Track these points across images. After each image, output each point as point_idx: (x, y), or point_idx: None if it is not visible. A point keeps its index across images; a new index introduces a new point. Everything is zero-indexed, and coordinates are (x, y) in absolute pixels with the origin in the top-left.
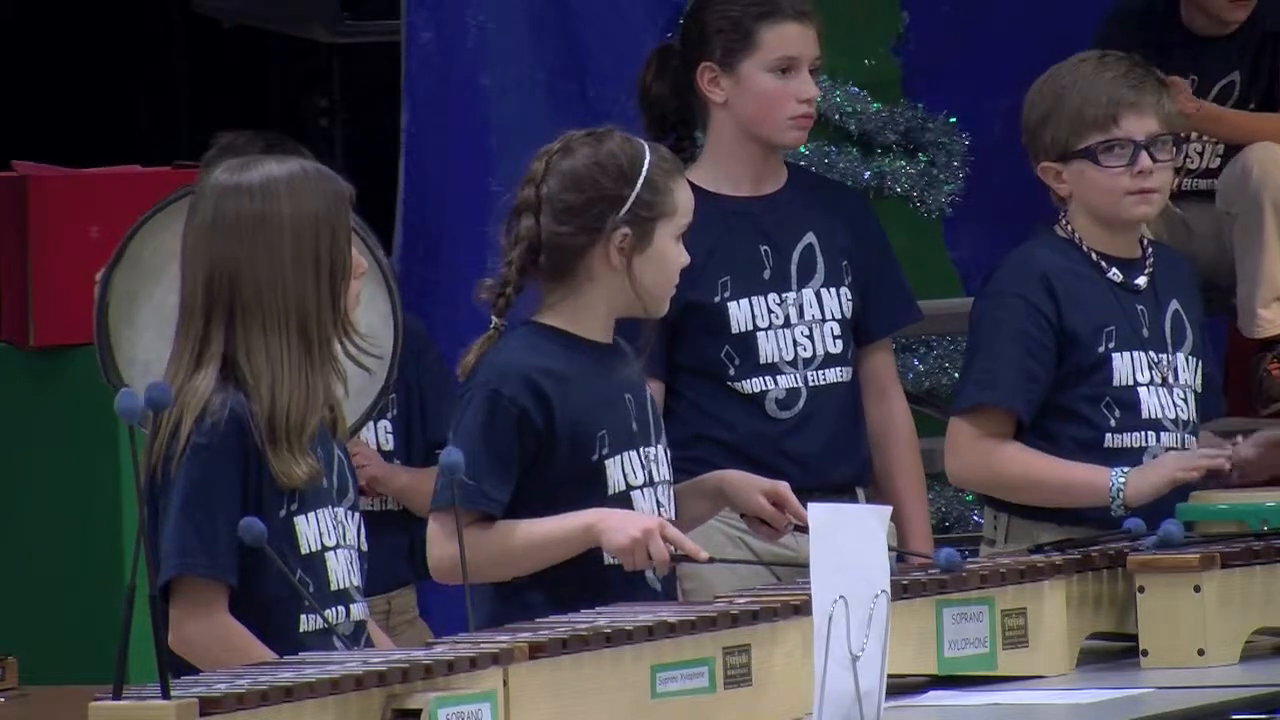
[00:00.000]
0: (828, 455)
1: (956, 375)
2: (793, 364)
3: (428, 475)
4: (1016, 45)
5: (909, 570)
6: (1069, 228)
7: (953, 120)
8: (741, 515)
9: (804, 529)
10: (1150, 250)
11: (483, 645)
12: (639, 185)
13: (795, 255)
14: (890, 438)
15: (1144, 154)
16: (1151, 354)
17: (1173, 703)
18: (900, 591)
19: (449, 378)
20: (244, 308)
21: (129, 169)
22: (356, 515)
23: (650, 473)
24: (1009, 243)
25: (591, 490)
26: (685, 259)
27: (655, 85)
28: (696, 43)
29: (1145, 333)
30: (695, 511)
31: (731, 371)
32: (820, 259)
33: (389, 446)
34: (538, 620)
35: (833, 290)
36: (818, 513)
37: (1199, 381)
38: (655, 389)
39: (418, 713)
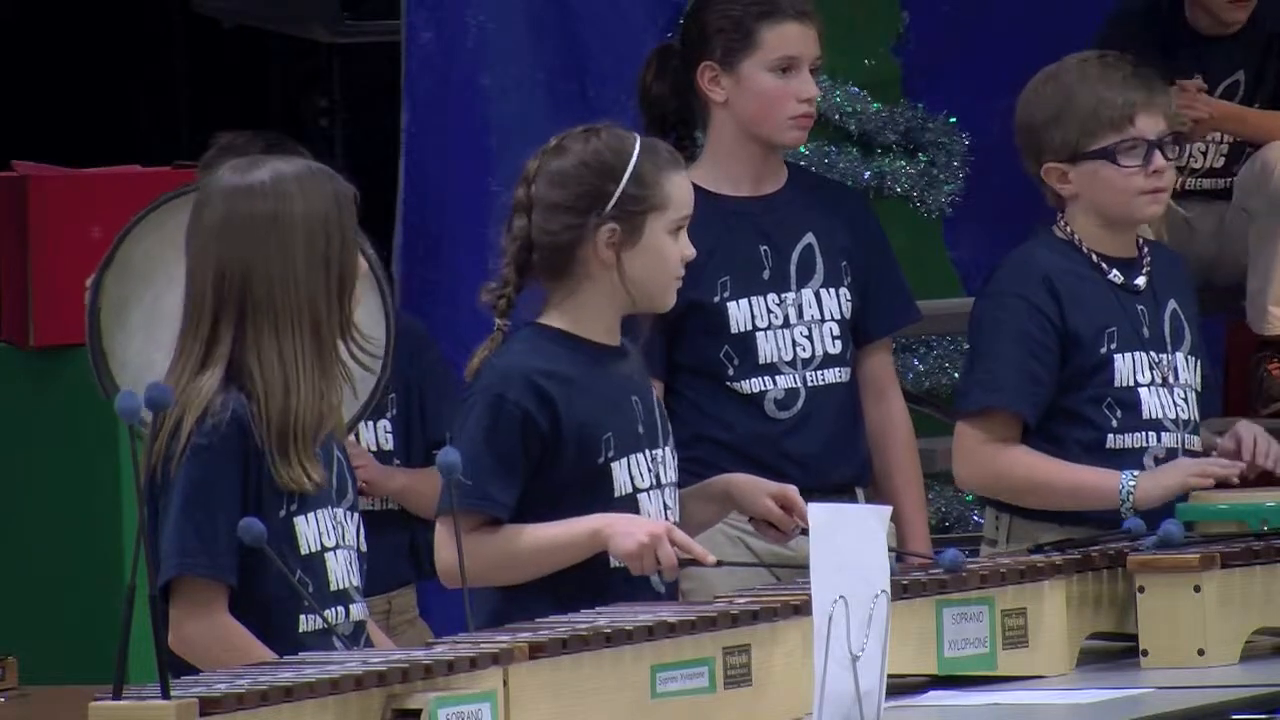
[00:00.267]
0: (827, 455)
1: (956, 375)
2: (791, 364)
3: (425, 475)
4: (1016, 45)
5: (909, 570)
6: (1068, 229)
7: (953, 120)
8: (749, 519)
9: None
10: (1147, 250)
11: (483, 645)
12: (625, 180)
13: (795, 255)
14: (889, 438)
15: (1157, 153)
16: (1152, 354)
17: (1173, 703)
18: (900, 591)
19: (449, 377)
20: (255, 309)
21: (129, 169)
22: (356, 515)
23: (657, 475)
24: (1009, 243)
25: (597, 493)
26: (689, 252)
27: (655, 85)
28: (697, 42)
29: (1145, 333)
30: (701, 515)
31: (731, 371)
32: (820, 259)
33: (388, 446)
34: (538, 620)
35: (832, 291)
36: (818, 513)
37: (1199, 381)
38: (655, 389)
39: (418, 713)
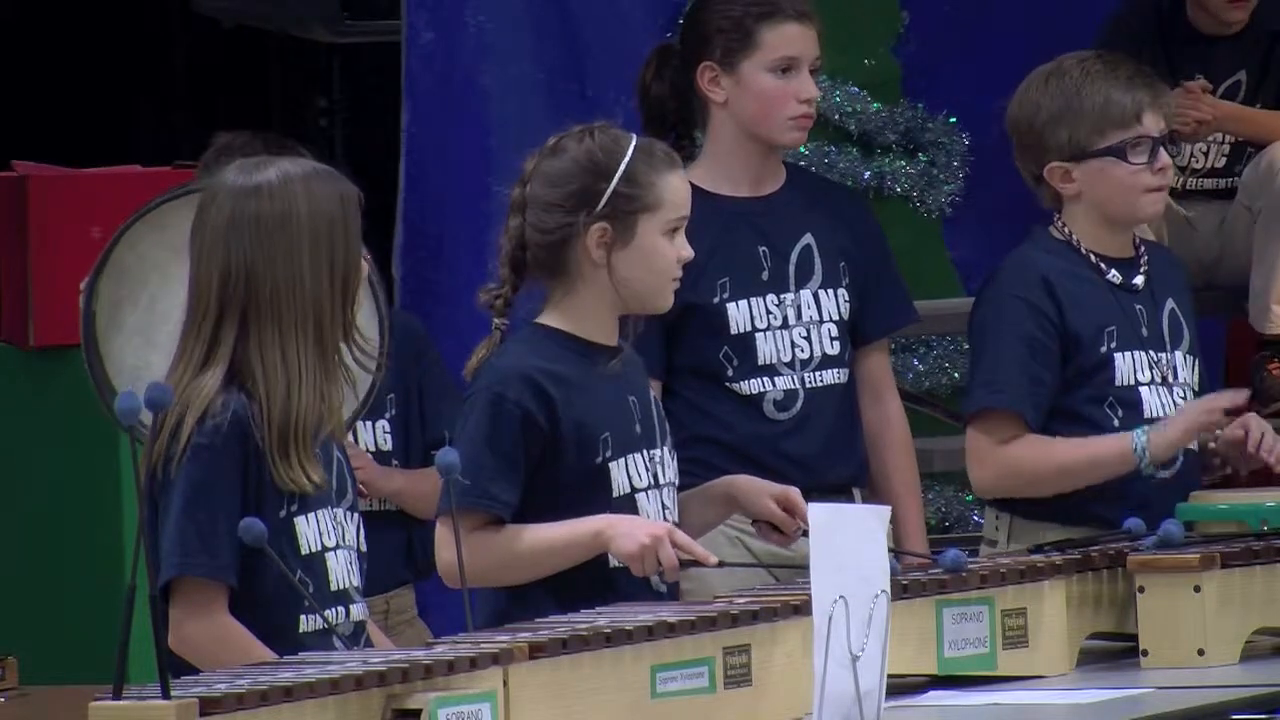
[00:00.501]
0: (825, 456)
1: (957, 375)
2: (790, 365)
3: (423, 476)
4: (1016, 45)
5: (909, 570)
6: (1065, 229)
7: (953, 120)
8: (752, 521)
9: None
10: (1143, 250)
11: (483, 645)
12: (616, 179)
13: (793, 256)
14: (885, 439)
15: (1162, 150)
16: (1151, 353)
17: (1173, 703)
18: (900, 591)
19: (448, 378)
20: (259, 310)
21: (129, 169)
22: (356, 515)
23: (655, 475)
24: (1009, 243)
25: (596, 493)
26: (686, 253)
27: (655, 85)
28: (696, 42)
29: (1144, 332)
30: (703, 517)
31: (730, 372)
32: (818, 260)
33: (387, 447)
34: (538, 620)
35: (830, 292)
36: (818, 513)
37: (1197, 380)
38: (652, 389)
39: (418, 713)
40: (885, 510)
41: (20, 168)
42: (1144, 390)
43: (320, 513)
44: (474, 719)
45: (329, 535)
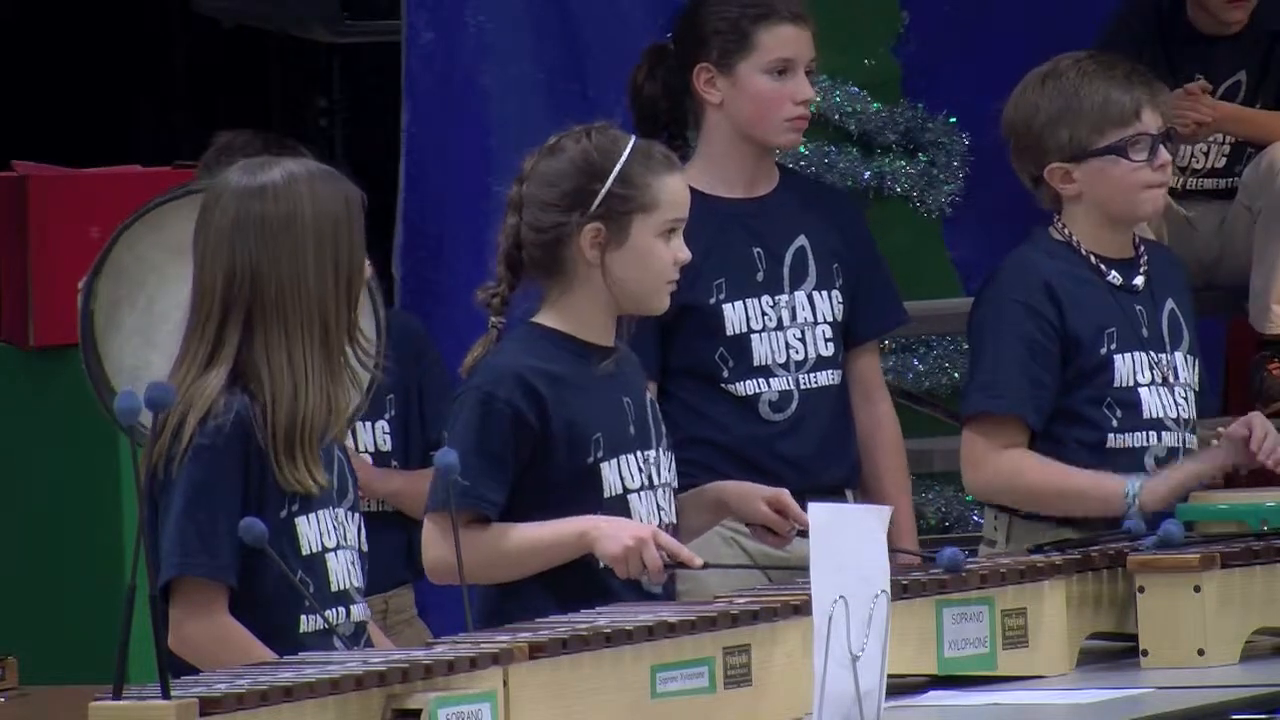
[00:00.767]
0: (819, 457)
1: (956, 375)
2: (785, 366)
3: (422, 477)
4: (1016, 45)
5: (909, 570)
6: (1065, 230)
7: (953, 120)
8: (746, 524)
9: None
10: (1143, 250)
11: (483, 645)
12: (610, 180)
13: (788, 258)
14: (877, 440)
15: (1161, 147)
16: (1151, 354)
17: (1173, 703)
18: (900, 591)
19: (449, 379)
20: (264, 311)
21: (129, 169)
22: (356, 516)
23: (650, 476)
24: (1009, 243)
25: (587, 493)
26: (683, 256)
27: (647, 85)
28: (692, 44)
29: (1145, 333)
30: (695, 523)
31: (725, 374)
32: (812, 262)
33: (386, 448)
34: (538, 620)
35: (824, 293)
36: (818, 513)
37: (1197, 380)
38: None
39: (418, 713)
40: (885, 510)
41: (20, 168)
42: (1144, 391)
43: (321, 513)
44: (474, 719)
45: (330, 536)
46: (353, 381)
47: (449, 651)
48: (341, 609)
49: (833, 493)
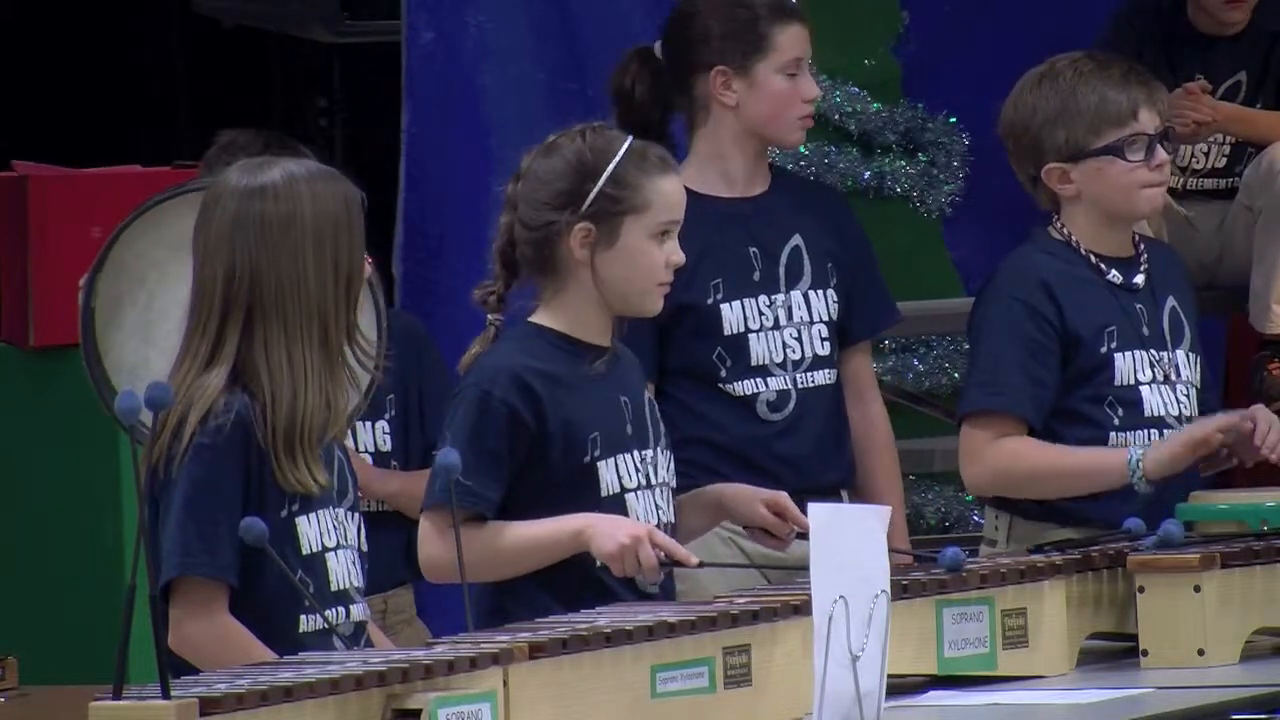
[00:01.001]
0: (816, 457)
1: (956, 375)
2: (782, 366)
3: (421, 478)
4: (1016, 45)
5: (910, 570)
6: (1064, 230)
7: (953, 120)
8: (744, 526)
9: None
10: (1143, 248)
11: (483, 645)
12: (602, 180)
13: (783, 257)
14: (870, 440)
15: (1159, 146)
16: (1152, 352)
17: (1173, 703)
18: (900, 591)
19: (449, 379)
20: (264, 311)
21: (129, 169)
22: (356, 515)
23: (647, 475)
24: (1009, 243)
25: (584, 492)
26: (677, 258)
27: (635, 88)
28: (702, 47)
29: (1145, 331)
30: (694, 524)
31: (723, 374)
32: (807, 261)
33: (386, 448)
34: (538, 620)
35: (819, 292)
36: (818, 513)
37: (1199, 377)
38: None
39: (418, 713)
40: (885, 510)
41: (20, 168)
42: (1144, 389)
43: (321, 513)
44: (474, 719)
45: (330, 535)
46: (352, 381)
47: (449, 651)
48: (341, 609)
49: (829, 493)
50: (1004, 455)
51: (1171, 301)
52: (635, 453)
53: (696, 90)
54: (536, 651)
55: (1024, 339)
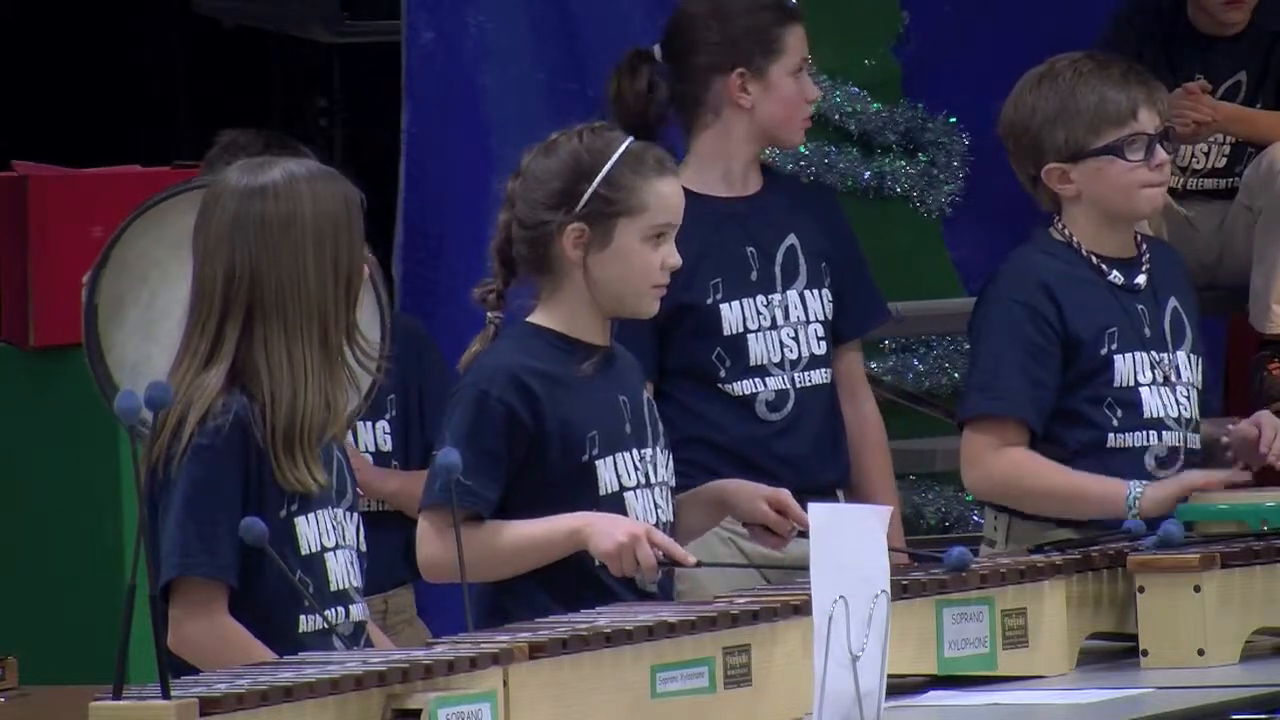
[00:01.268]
0: (815, 457)
1: (956, 375)
2: (780, 365)
3: (421, 477)
4: (1016, 45)
5: (910, 570)
6: (1065, 231)
7: (953, 120)
8: (744, 524)
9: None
10: (1145, 248)
11: (483, 645)
12: (596, 182)
13: (779, 257)
14: (864, 438)
15: (1159, 146)
16: (1153, 353)
17: (1173, 703)
18: (900, 591)
19: (449, 379)
20: (264, 310)
21: (129, 169)
22: (355, 515)
23: (646, 474)
24: (1009, 243)
25: (582, 491)
26: (672, 261)
27: (632, 90)
28: (713, 49)
29: (1146, 332)
30: (694, 523)
31: (722, 374)
32: (802, 260)
33: (386, 448)
34: (538, 620)
35: (815, 292)
36: (818, 513)
37: (1200, 378)
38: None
39: (418, 713)
40: (885, 510)
41: (20, 168)
42: (1144, 390)
43: (320, 513)
44: (474, 719)
45: (329, 535)
46: (351, 381)
47: (449, 651)
48: (341, 609)
49: (826, 493)
50: (1005, 466)
51: (1173, 302)
52: (634, 452)
53: (708, 92)
54: (536, 651)
55: (1024, 341)
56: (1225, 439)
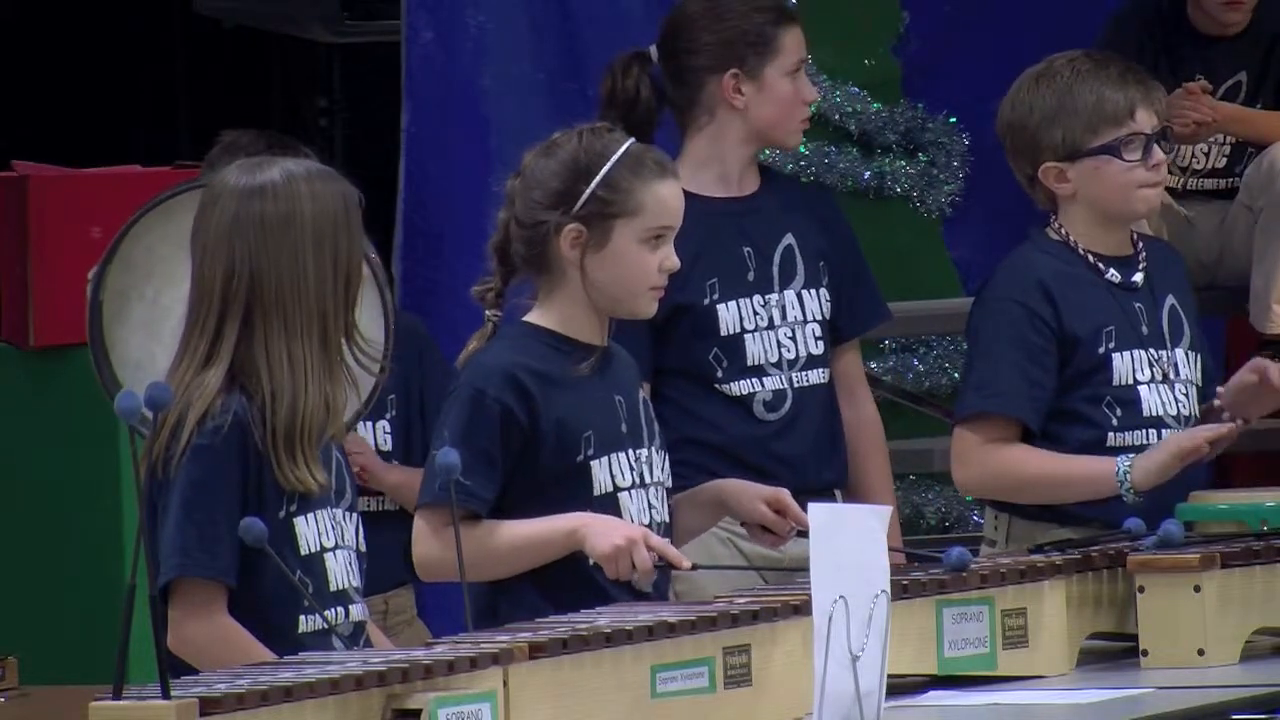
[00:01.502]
0: (813, 457)
1: (956, 375)
2: (778, 365)
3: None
4: (1016, 45)
5: (910, 570)
6: (1062, 230)
7: (953, 120)
8: (742, 524)
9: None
10: (1142, 246)
11: (483, 645)
12: (594, 183)
13: (776, 256)
14: (863, 438)
15: (1156, 146)
16: (1151, 351)
17: (1173, 703)
18: (900, 591)
19: (449, 379)
20: (264, 310)
21: (129, 169)
22: (355, 516)
23: (641, 474)
24: (1009, 243)
25: (577, 490)
26: (670, 263)
27: (626, 91)
28: (708, 49)
29: (1144, 330)
30: (692, 522)
31: (719, 374)
32: (800, 260)
33: (387, 447)
34: (538, 620)
35: (812, 291)
36: (818, 513)
37: (1199, 375)
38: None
39: (418, 713)
40: (886, 510)
41: (20, 168)
42: (1143, 389)
43: (319, 513)
44: (474, 719)
45: (328, 535)
46: (350, 380)
47: (449, 651)
48: (340, 609)
49: (823, 494)
50: (995, 461)
51: (1171, 300)
52: (629, 452)
53: (702, 93)
54: (536, 651)
55: (1021, 341)
56: (1218, 401)
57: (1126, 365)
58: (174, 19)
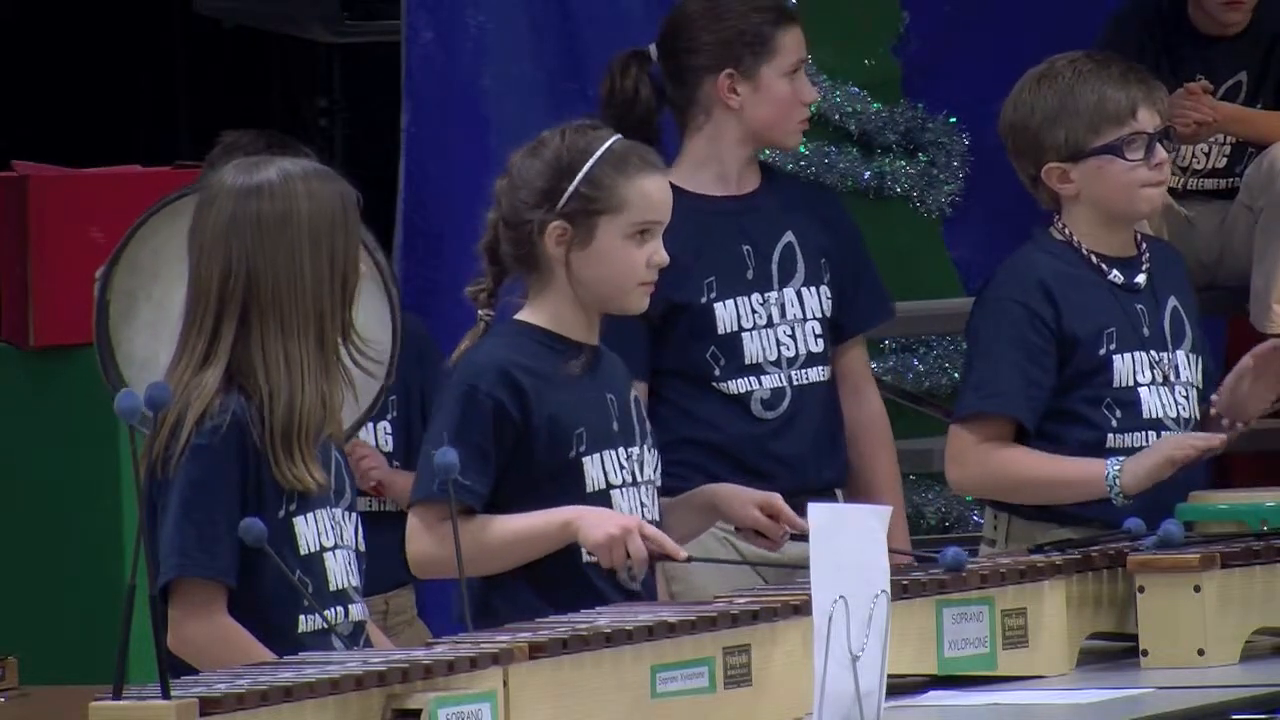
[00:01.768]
0: (812, 456)
1: (956, 375)
2: (776, 364)
3: None
4: (1016, 45)
5: (910, 570)
6: (1065, 230)
7: (953, 120)
8: (735, 529)
9: (799, 537)
10: (1145, 247)
11: (483, 645)
12: (577, 180)
13: (775, 255)
14: (867, 435)
15: (1158, 145)
16: (1152, 353)
17: (1173, 703)
18: (900, 591)
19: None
20: (261, 309)
21: (129, 169)
22: (354, 516)
23: (632, 473)
24: (1009, 243)
25: (569, 487)
26: (659, 258)
27: (624, 90)
28: (704, 49)
29: (1145, 332)
30: (686, 526)
31: (717, 372)
32: (800, 258)
33: (388, 448)
34: (538, 620)
35: (813, 289)
36: (818, 513)
37: (1200, 378)
38: (638, 390)
39: (418, 713)
40: (886, 510)
41: (20, 168)
42: (1143, 391)
43: (319, 513)
44: (474, 719)
45: (327, 535)
46: (347, 380)
47: (449, 651)
48: (340, 608)
49: (823, 493)
50: (990, 461)
51: (1173, 301)
52: (621, 450)
53: (699, 93)
54: (536, 651)
55: (1020, 341)
56: (1214, 410)
57: (1127, 367)
58: (174, 19)
